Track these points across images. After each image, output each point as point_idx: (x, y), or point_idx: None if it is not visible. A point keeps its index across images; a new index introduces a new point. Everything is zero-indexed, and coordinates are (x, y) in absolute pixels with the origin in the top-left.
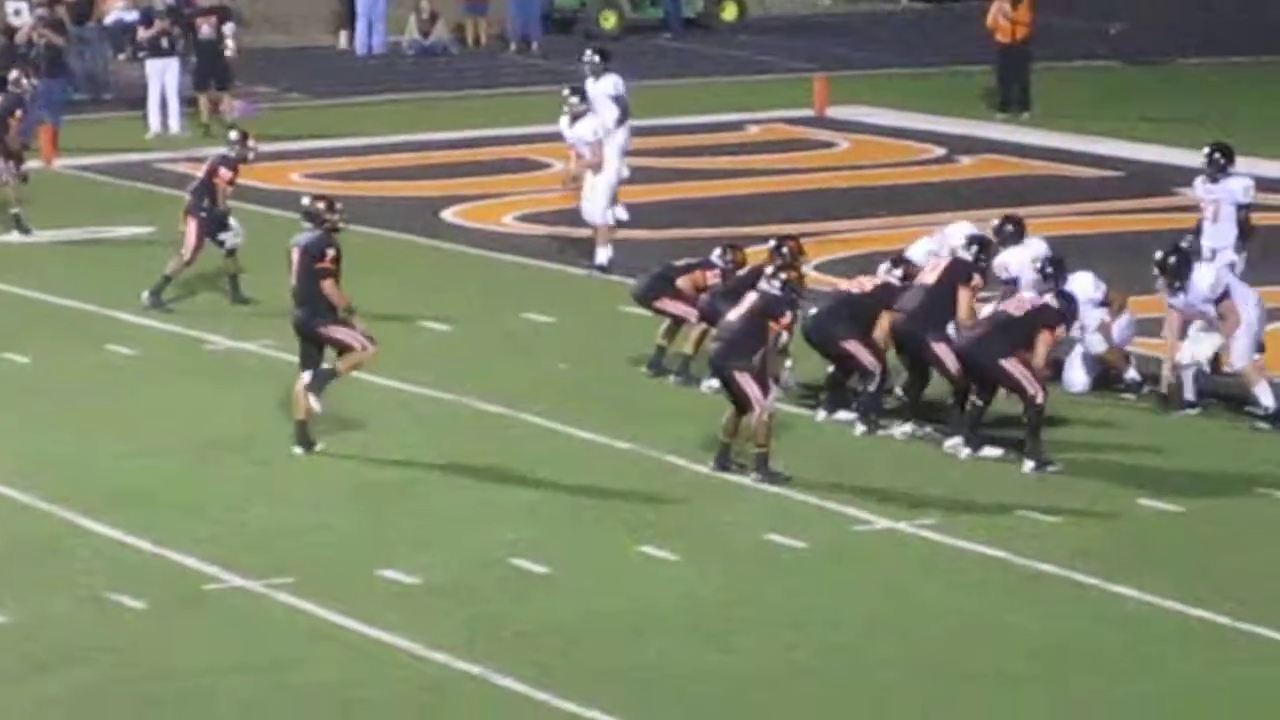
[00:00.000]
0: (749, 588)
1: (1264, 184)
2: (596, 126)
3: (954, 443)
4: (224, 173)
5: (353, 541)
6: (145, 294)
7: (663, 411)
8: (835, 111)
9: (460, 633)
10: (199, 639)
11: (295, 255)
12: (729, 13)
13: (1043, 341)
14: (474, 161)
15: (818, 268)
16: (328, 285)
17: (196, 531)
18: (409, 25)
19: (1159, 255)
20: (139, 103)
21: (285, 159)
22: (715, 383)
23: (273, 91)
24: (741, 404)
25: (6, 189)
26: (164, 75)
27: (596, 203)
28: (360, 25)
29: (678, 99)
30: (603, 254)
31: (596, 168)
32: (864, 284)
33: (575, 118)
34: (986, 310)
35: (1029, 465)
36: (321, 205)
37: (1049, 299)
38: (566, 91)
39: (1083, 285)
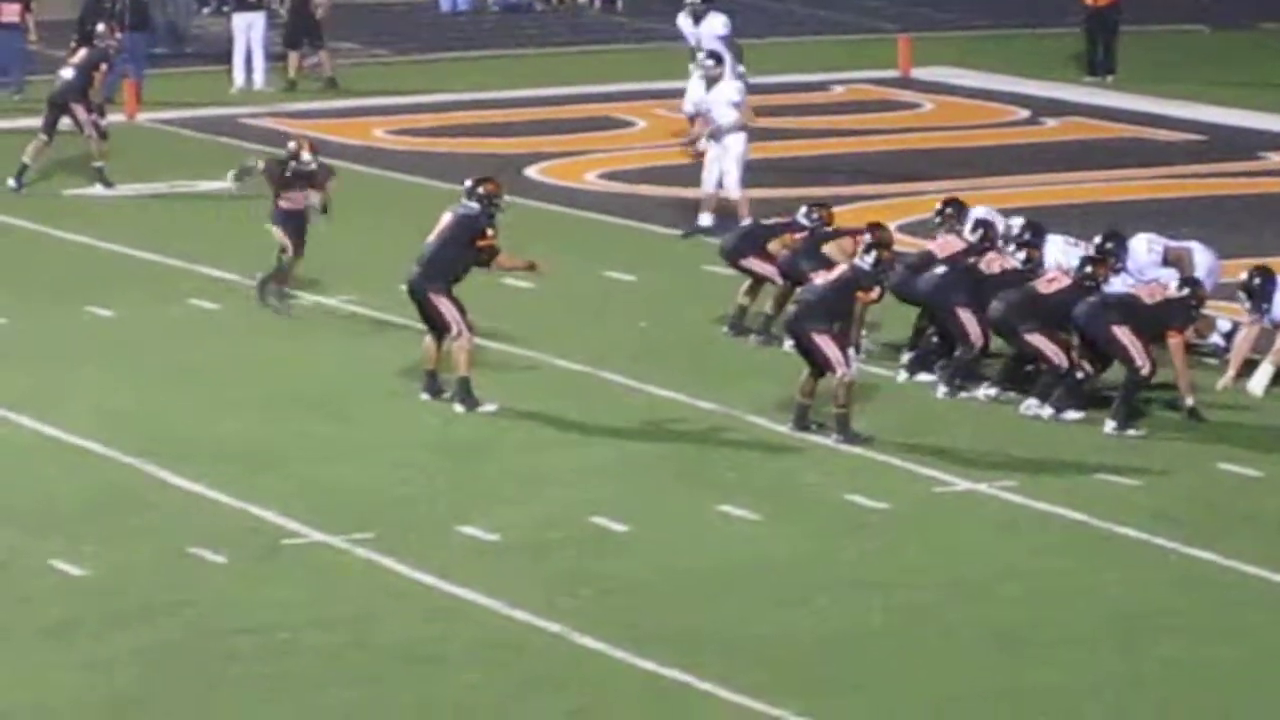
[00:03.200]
0: (829, 548)
1: None
2: (740, 88)
3: (1031, 403)
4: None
5: (433, 498)
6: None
7: (744, 371)
8: (920, 73)
9: (539, 591)
10: (279, 594)
11: (447, 219)
12: None
13: (1176, 348)
14: (557, 119)
15: (902, 229)
16: (502, 258)
17: (277, 486)
18: None
19: (1244, 277)
20: (223, 57)
21: (370, 115)
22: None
23: (358, 47)
24: (821, 365)
25: (90, 142)
26: (250, 29)
27: (729, 173)
28: None
29: (763, 58)
30: (706, 217)
31: (739, 128)
32: (991, 263)
33: (711, 81)
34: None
35: (1111, 425)
36: (489, 189)
37: (1180, 291)
38: (701, 55)
39: (1137, 249)
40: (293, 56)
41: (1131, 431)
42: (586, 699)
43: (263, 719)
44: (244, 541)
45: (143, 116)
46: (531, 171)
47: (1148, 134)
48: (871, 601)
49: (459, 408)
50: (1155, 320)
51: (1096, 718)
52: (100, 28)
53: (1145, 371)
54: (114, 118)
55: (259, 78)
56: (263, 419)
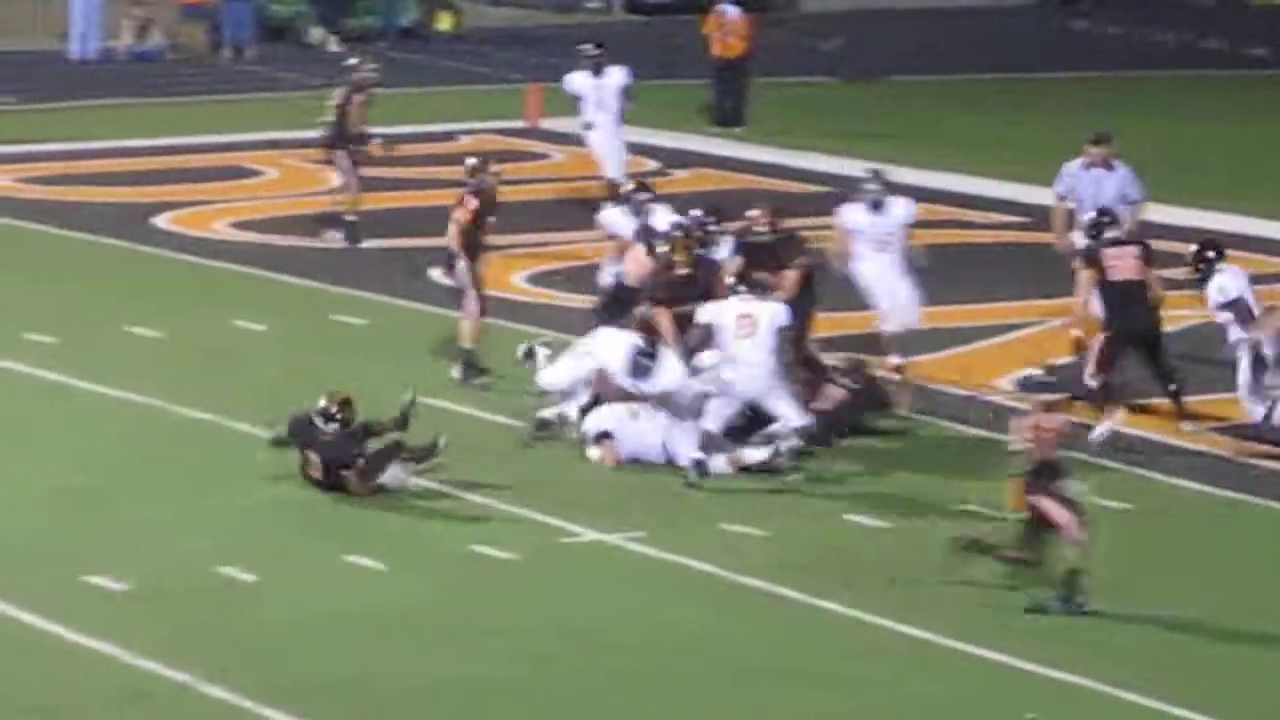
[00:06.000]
0: (455, 597)
1: (964, 200)
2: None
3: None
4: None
5: (58, 547)
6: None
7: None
8: (551, 123)
9: (167, 640)
10: None
11: None
12: (444, 22)
13: None
14: (187, 168)
15: (532, 279)
16: (451, 228)
17: None
18: (124, 30)
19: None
20: None
21: None
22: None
23: None
24: None
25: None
26: None
27: None
28: (75, 30)
29: (393, 108)
30: None
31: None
32: None
33: (877, 205)
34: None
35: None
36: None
37: None
38: (867, 172)
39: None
40: None
41: None
42: None
43: None
44: None
45: None
46: (160, 220)
47: (777, 185)
48: (496, 650)
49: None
50: None
51: None
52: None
53: None
54: None
55: None
56: None
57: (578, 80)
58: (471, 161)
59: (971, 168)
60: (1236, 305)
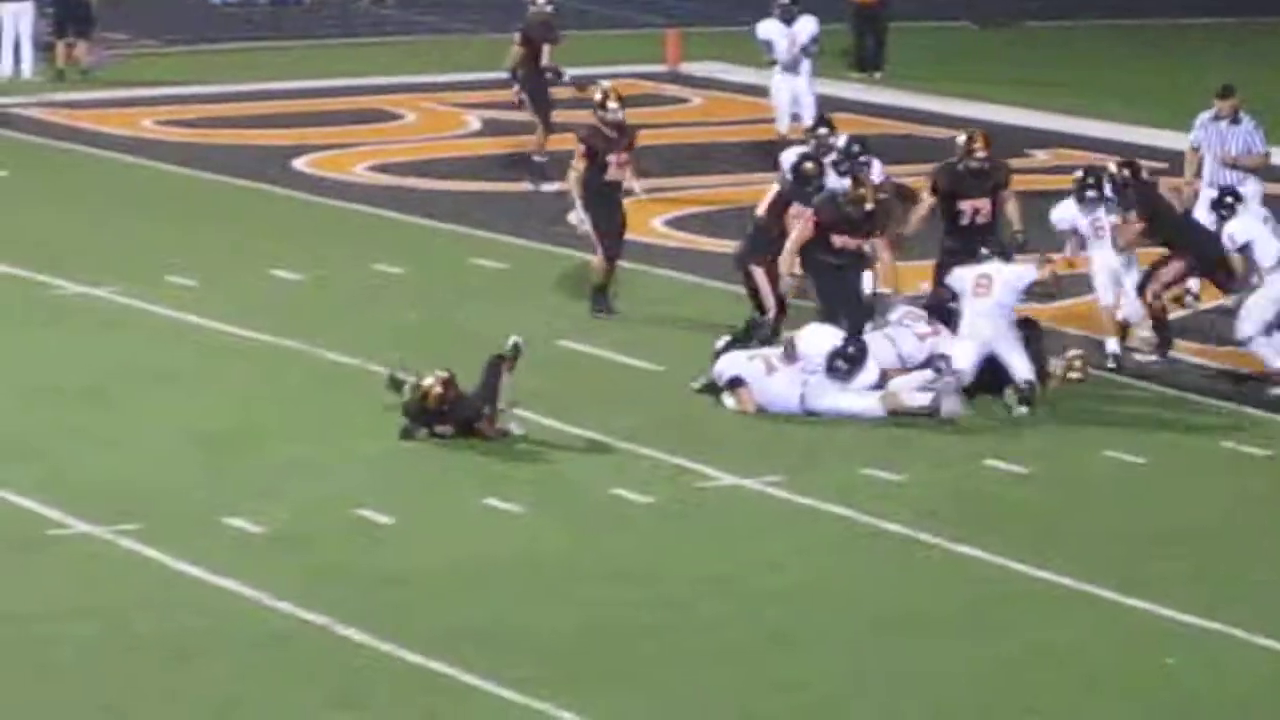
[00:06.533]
0: (592, 541)
1: (1095, 145)
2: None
3: None
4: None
5: (198, 489)
6: None
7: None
8: (688, 67)
9: (304, 582)
10: (41, 585)
11: None
12: None
13: None
14: (326, 111)
15: (671, 224)
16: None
17: (40, 476)
18: None
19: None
20: None
21: (138, 105)
22: None
23: (126, 38)
24: None
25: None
26: (18, 18)
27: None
28: None
29: None
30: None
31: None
32: None
33: (1092, 203)
34: None
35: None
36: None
37: None
38: (1080, 174)
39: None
40: (60, 46)
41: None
42: (350, 691)
43: (23, 708)
44: (6, 532)
45: None
46: (299, 163)
47: (916, 130)
48: (633, 596)
49: None
50: None
51: (866, 715)
52: None
53: None
54: None
55: (26, 67)
56: (25, 409)
57: (769, 27)
58: (597, 96)
59: (1106, 113)
60: (1245, 251)
